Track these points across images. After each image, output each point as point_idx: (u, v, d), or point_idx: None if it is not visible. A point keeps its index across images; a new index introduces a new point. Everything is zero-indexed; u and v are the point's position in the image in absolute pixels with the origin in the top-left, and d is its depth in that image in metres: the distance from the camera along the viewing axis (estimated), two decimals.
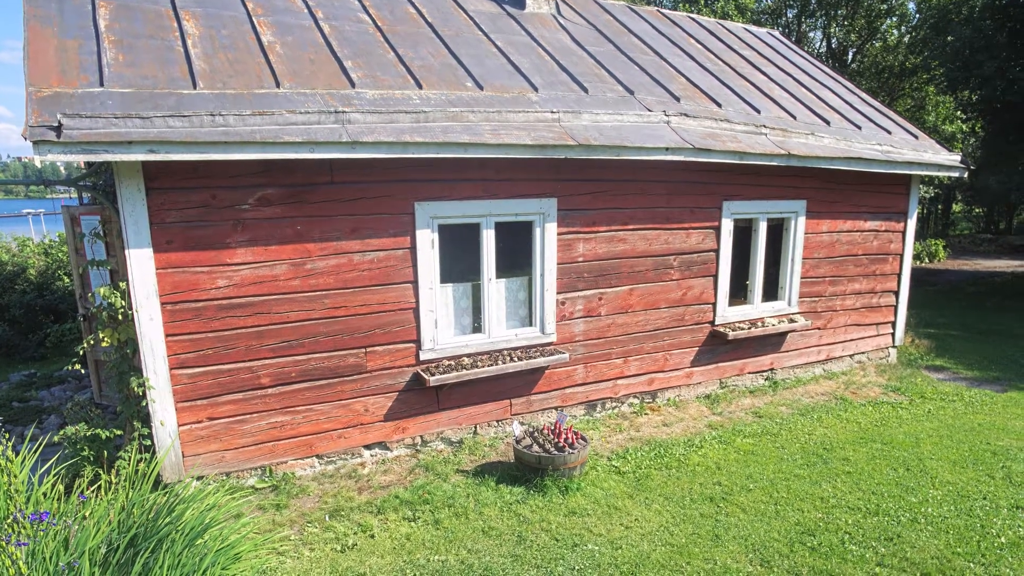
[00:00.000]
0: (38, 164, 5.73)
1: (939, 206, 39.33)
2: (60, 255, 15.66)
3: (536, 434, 7.92)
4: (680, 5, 28.13)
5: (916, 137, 12.00)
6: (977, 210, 43.98)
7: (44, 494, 5.07)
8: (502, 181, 8.14)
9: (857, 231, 11.42)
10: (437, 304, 8.07)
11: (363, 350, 7.73)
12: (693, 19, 13.55)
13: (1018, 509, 7.14)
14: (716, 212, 9.80)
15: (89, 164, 8.19)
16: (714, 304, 10.17)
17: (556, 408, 9.17)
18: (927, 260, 28.91)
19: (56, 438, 6.94)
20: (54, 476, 5.36)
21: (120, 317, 6.78)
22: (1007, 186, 22.03)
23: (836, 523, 6.80)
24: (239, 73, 7.10)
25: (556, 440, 7.65)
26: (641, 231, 9.22)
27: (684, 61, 11.21)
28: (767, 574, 5.94)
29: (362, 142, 6.72)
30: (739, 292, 10.78)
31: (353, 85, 7.42)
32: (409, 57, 8.34)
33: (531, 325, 8.83)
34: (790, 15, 32.55)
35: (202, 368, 6.98)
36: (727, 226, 9.93)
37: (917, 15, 29.87)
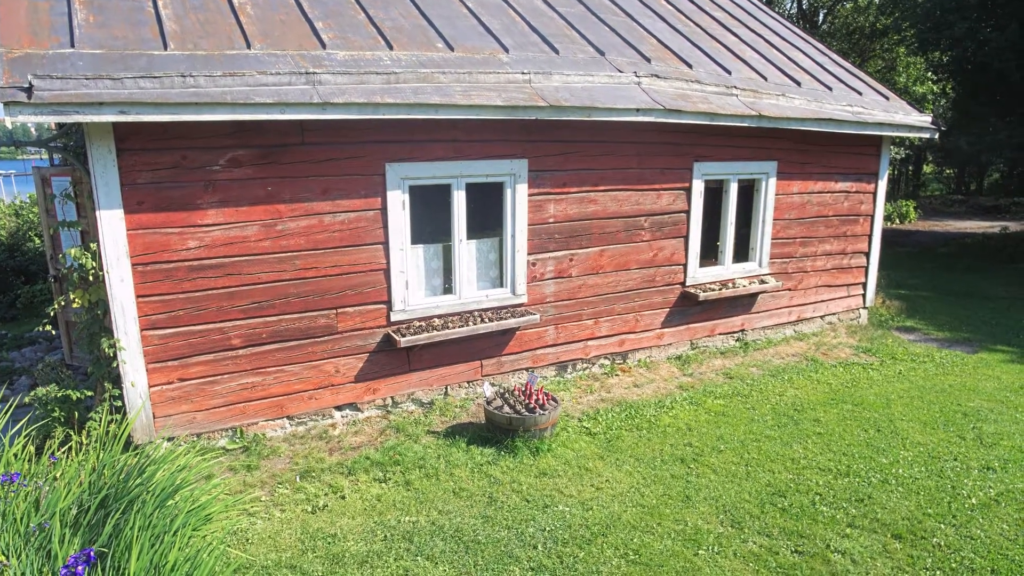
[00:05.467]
0: (8, 125, 5.70)
1: (910, 167, 39.58)
2: (31, 216, 15.50)
3: (507, 395, 8.00)
4: None
5: (887, 98, 12.06)
6: (948, 171, 44.33)
7: (15, 455, 5.09)
8: (473, 142, 8.12)
9: (828, 192, 11.51)
10: (408, 265, 8.08)
11: (334, 311, 7.75)
12: None
13: (988, 470, 7.25)
14: (687, 173, 9.84)
15: (60, 125, 8.10)
16: (685, 265, 10.24)
17: (527, 369, 9.25)
18: (898, 221, 29.14)
19: (27, 399, 6.94)
20: (25, 437, 5.38)
21: (91, 278, 6.75)
22: (977, 147, 22.14)
23: (807, 484, 6.90)
24: (210, 34, 7.02)
25: (527, 401, 7.73)
26: (612, 192, 9.25)
27: (655, 22, 11.15)
28: (738, 535, 6.04)
29: (333, 103, 6.68)
30: (710, 253, 10.87)
31: (324, 46, 7.35)
32: (380, 18, 8.25)
33: (502, 286, 8.86)
34: None
35: (173, 329, 6.98)
36: (698, 187, 9.97)
37: None
